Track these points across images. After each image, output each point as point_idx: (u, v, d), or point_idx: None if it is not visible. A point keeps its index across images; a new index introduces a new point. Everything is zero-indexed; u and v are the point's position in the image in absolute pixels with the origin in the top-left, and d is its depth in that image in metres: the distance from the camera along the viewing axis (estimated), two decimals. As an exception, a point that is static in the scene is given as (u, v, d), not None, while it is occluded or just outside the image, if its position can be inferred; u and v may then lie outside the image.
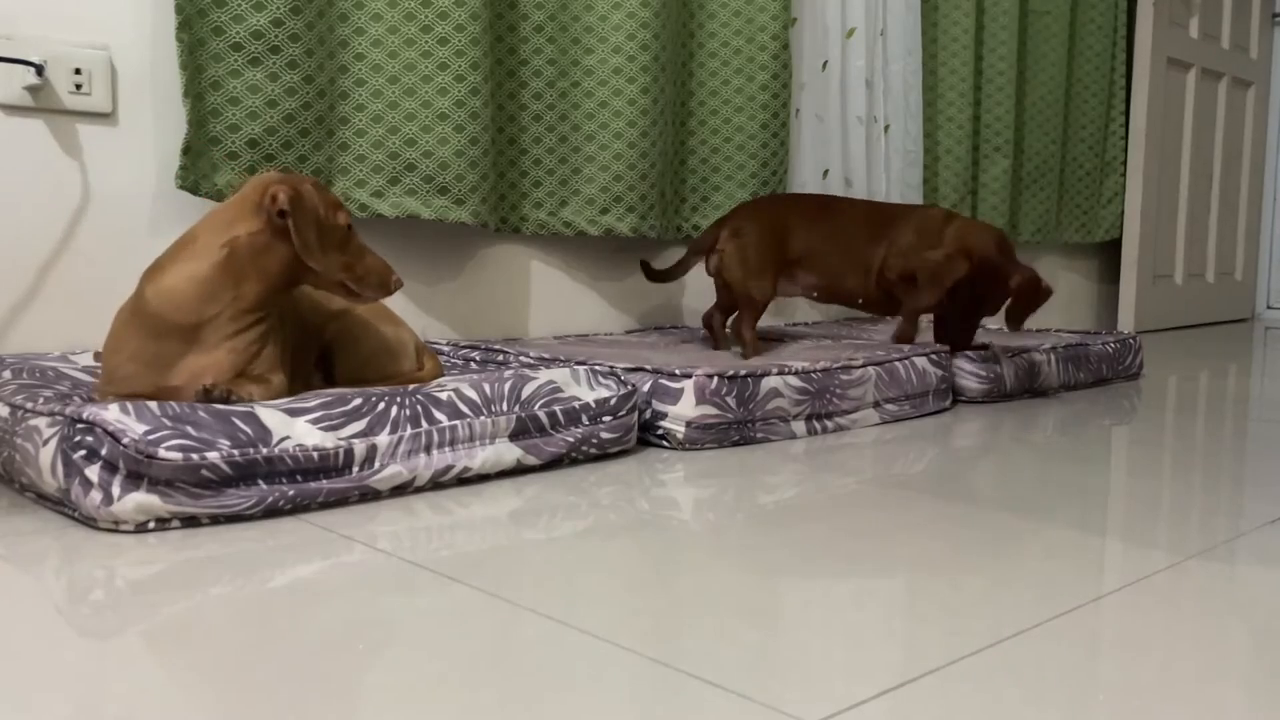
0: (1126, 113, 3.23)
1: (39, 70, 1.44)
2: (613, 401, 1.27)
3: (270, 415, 1.01)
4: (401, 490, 1.09)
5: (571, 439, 1.23)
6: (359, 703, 0.60)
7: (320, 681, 0.63)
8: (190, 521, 0.96)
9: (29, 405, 1.04)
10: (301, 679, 0.63)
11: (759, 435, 1.41)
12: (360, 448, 1.05)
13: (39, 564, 0.85)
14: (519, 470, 1.19)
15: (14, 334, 1.47)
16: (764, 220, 1.75)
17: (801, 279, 1.79)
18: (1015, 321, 1.71)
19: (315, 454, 1.01)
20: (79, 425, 0.94)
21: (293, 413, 1.03)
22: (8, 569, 0.84)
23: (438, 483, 1.12)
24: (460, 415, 1.14)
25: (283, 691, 0.62)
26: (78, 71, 1.48)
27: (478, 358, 1.60)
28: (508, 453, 1.17)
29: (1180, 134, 3.32)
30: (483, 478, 1.16)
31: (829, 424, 1.49)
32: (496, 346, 1.63)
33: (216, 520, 0.97)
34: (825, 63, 2.38)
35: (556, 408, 1.22)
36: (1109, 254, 3.49)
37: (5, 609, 0.75)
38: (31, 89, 1.45)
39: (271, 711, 0.59)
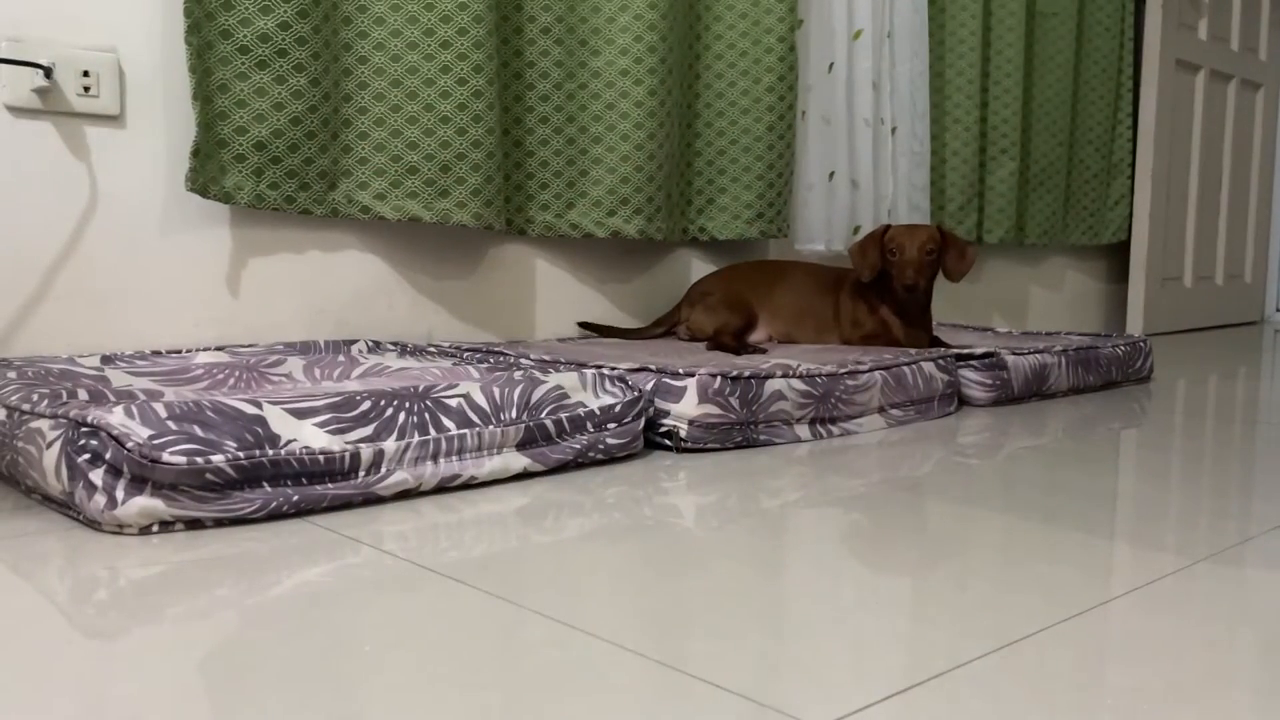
0: (1134, 115, 3.22)
1: (47, 73, 1.45)
2: (618, 408, 1.27)
3: (279, 416, 1.01)
4: (406, 494, 1.09)
5: (578, 445, 1.23)
6: (365, 704, 0.60)
7: (326, 683, 0.63)
8: (194, 524, 0.96)
9: (24, 408, 1.04)
10: (307, 680, 0.63)
11: (762, 438, 1.40)
12: (367, 452, 1.05)
13: (43, 565, 0.85)
14: (524, 474, 1.19)
15: (21, 336, 1.47)
16: (724, 280, 2.02)
17: (762, 328, 2.00)
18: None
19: (321, 457, 1.01)
20: (84, 429, 0.94)
21: (301, 414, 1.03)
22: (12, 570, 0.84)
23: (442, 488, 1.12)
24: (469, 424, 1.13)
25: (288, 693, 0.62)
26: (86, 74, 1.49)
27: (489, 362, 1.60)
28: (514, 461, 1.17)
29: (1189, 136, 3.31)
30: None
31: (834, 429, 1.48)
32: (499, 349, 1.63)
33: (220, 523, 0.97)
34: (832, 65, 2.38)
35: (563, 415, 1.21)
36: (1117, 256, 3.48)
37: (10, 609, 0.75)
38: (40, 91, 1.46)
39: (277, 713, 0.59)
